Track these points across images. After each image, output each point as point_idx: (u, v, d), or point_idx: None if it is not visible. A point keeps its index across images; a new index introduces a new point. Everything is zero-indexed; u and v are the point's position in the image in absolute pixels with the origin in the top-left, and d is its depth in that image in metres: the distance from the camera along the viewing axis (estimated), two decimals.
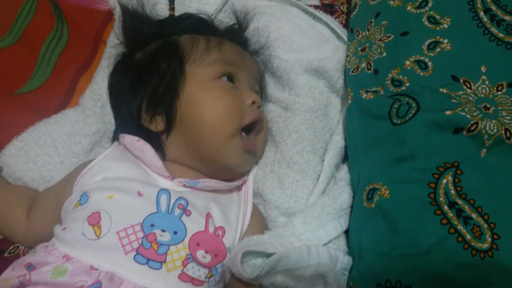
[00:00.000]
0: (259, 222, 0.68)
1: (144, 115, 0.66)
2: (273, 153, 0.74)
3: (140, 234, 0.55)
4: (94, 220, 0.55)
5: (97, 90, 0.75)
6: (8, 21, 0.84)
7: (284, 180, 0.70)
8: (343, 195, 0.66)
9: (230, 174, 0.68)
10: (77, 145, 0.72)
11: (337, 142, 0.73)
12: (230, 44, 0.71)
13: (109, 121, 0.75)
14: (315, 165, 0.71)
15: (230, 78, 0.68)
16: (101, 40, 0.85)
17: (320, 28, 0.86)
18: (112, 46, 0.76)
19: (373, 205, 0.60)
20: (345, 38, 0.83)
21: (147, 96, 0.66)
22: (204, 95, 0.65)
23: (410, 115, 0.62)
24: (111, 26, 0.84)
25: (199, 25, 0.74)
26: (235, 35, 0.76)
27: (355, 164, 0.68)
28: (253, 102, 0.68)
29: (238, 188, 0.70)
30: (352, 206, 0.66)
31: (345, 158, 0.74)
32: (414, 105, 0.63)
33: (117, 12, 0.80)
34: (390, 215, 0.58)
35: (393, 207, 0.58)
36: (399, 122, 0.63)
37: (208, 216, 0.60)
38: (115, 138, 0.71)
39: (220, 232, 0.60)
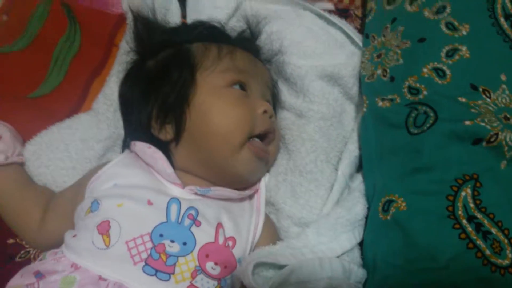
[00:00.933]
0: (271, 233, 0.66)
1: (153, 124, 0.66)
2: (285, 161, 0.72)
3: (149, 245, 0.54)
4: (104, 229, 0.55)
5: (110, 95, 0.75)
6: (21, 24, 0.84)
7: (297, 189, 0.69)
8: (357, 206, 0.64)
9: (241, 183, 0.67)
10: (90, 151, 0.72)
11: (352, 151, 0.71)
12: (242, 51, 0.70)
13: (122, 126, 0.74)
14: (329, 175, 0.70)
15: (242, 87, 0.67)
16: (113, 44, 0.84)
17: (335, 33, 0.84)
18: (123, 53, 0.75)
19: (389, 217, 0.59)
20: (360, 43, 0.82)
21: (158, 105, 0.65)
22: (215, 103, 0.63)
23: (428, 125, 0.61)
24: (123, 30, 0.83)
25: (210, 33, 0.73)
26: (247, 42, 0.75)
27: (370, 174, 0.67)
28: (265, 111, 0.66)
29: (250, 197, 0.69)
30: (366, 218, 0.65)
31: (359, 168, 0.73)
32: (431, 114, 0.62)
33: (130, 16, 0.79)
34: (406, 228, 0.57)
35: (409, 220, 0.57)
36: (416, 131, 0.62)
37: (219, 226, 0.59)
38: (125, 146, 0.71)
39: (230, 243, 0.59)
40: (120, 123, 0.74)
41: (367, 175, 0.68)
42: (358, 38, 0.83)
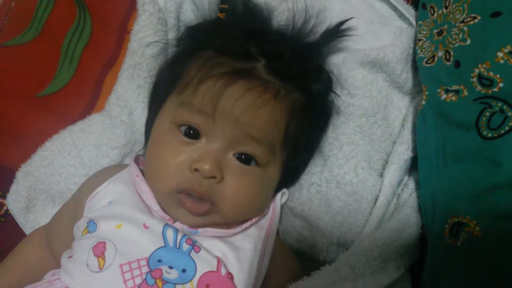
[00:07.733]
0: (285, 265, 0.58)
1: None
2: (320, 168, 0.62)
3: (145, 269, 0.50)
4: (99, 251, 0.51)
5: (122, 94, 0.66)
6: (28, 13, 0.76)
7: (333, 203, 0.59)
8: (409, 227, 0.54)
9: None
10: (105, 158, 0.65)
11: (401, 153, 0.60)
12: (227, 79, 0.52)
13: (138, 131, 0.67)
14: (372, 185, 0.59)
15: (193, 131, 0.53)
16: (125, 31, 0.75)
17: (379, 6, 0.70)
18: (140, 45, 0.66)
19: (459, 243, 0.48)
20: (410, 17, 0.68)
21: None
22: (153, 143, 0.58)
23: (507, 128, 0.49)
24: (136, 15, 0.73)
25: (234, 42, 0.57)
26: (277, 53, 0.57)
27: (427, 183, 0.55)
28: (196, 170, 0.51)
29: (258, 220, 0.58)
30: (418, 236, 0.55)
31: (410, 170, 0.62)
32: (510, 113, 0.49)
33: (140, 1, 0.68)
34: (481, 259, 0.46)
35: (486, 249, 0.46)
36: (490, 135, 0.50)
37: (219, 260, 0.52)
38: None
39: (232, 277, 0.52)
40: (136, 127, 0.67)
41: (424, 183, 0.56)
42: (407, 10, 0.69)
